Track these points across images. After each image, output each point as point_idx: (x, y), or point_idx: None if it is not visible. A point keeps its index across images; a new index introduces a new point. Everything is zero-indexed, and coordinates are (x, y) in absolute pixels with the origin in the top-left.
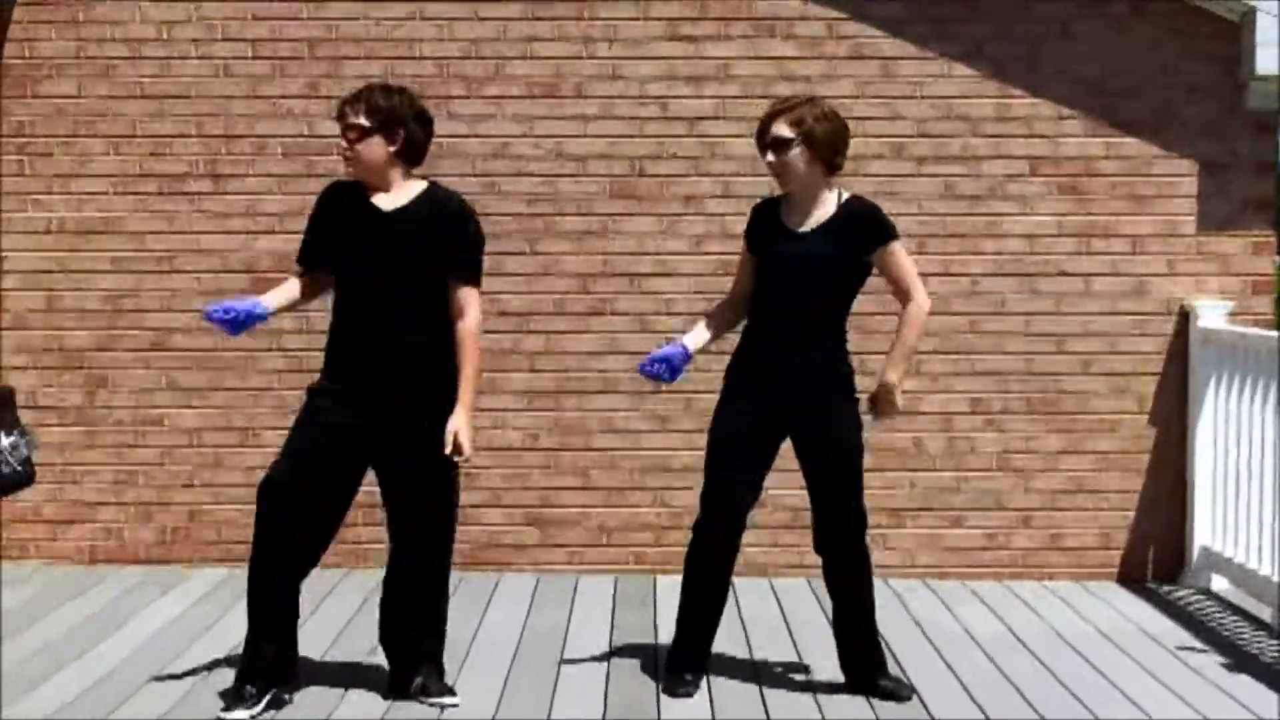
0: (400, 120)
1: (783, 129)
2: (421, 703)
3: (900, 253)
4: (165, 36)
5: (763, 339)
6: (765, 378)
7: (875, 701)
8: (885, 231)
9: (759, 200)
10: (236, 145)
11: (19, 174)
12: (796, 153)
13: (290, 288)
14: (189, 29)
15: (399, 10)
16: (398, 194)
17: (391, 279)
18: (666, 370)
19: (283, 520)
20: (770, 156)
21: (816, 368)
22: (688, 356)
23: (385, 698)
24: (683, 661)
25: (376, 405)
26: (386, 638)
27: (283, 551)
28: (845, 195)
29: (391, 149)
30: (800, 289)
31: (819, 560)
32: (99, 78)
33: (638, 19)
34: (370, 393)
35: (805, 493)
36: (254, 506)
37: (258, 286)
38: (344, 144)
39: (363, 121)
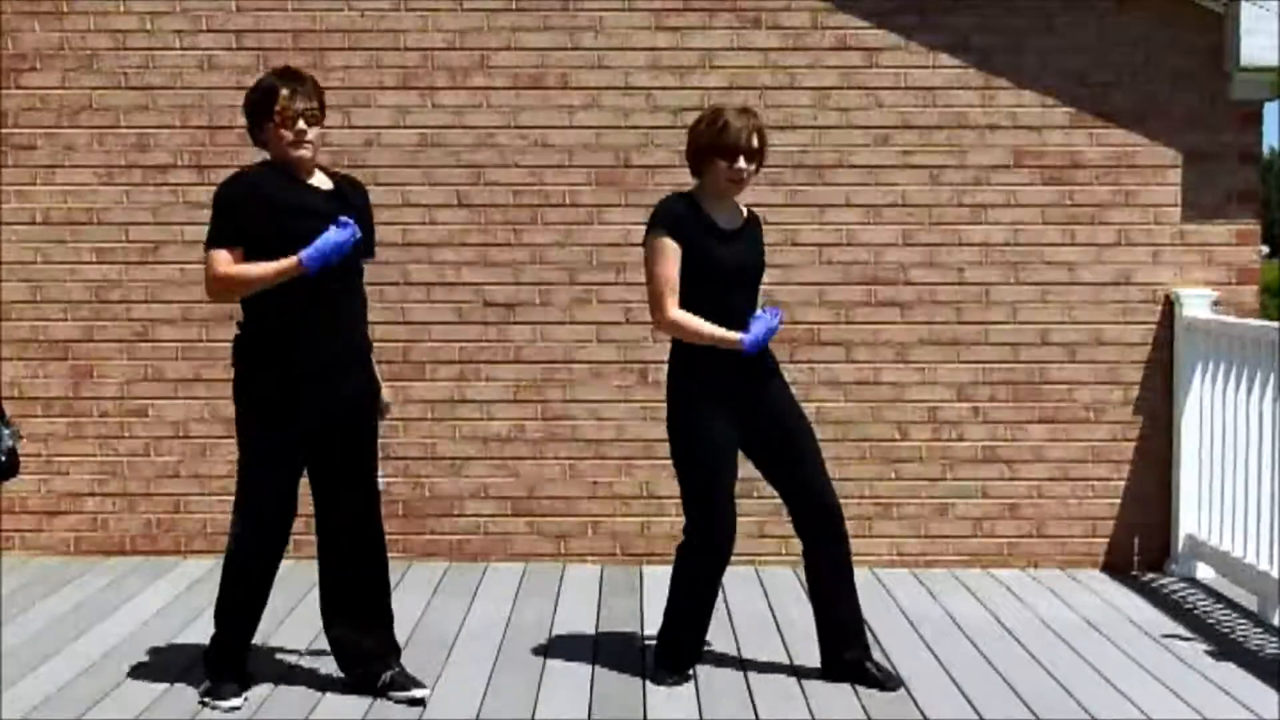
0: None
1: (758, 141)
2: (391, 698)
3: None
4: (149, 28)
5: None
6: (732, 377)
7: (862, 692)
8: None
9: (674, 195)
10: (220, 136)
11: (3, 165)
12: (754, 166)
13: None
14: (172, 20)
15: (383, 1)
16: (320, 177)
17: (352, 263)
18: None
19: (279, 534)
20: (746, 164)
21: (769, 358)
22: (777, 313)
23: (362, 694)
24: (673, 658)
25: (341, 394)
26: (343, 636)
27: (271, 560)
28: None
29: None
30: (749, 286)
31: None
32: (82, 69)
33: (622, 9)
34: (338, 383)
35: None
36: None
37: None
38: (300, 128)
39: (316, 106)
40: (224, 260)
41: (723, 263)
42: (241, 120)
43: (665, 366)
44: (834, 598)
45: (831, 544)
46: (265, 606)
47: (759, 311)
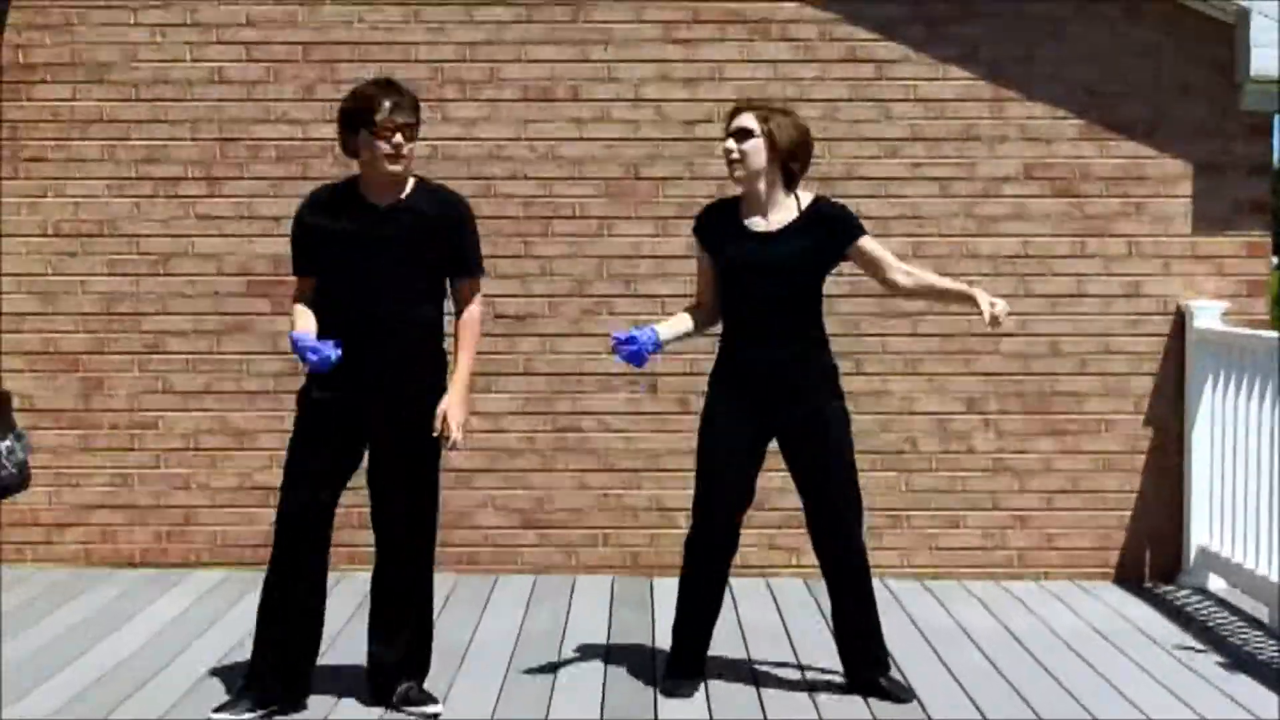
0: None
1: (749, 121)
2: (404, 711)
3: (873, 242)
4: (159, 40)
5: (746, 341)
6: (751, 380)
7: (873, 703)
8: (858, 227)
9: (711, 201)
10: (231, 149)
11: (13, 177)
12: (756, 144)
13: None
14: (183, 32)
15: (393, 14)
16: (407, 189)
17: (398, 276)
18: (634, 355)
19: (302, 550)
20: (730, 143)
21: (800, 365)
22: (657, 345)
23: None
24: (682, 666)
25: (380, 402)
26: (371, 646)
27: (301, 576)
28: (809, 196)
29: None
30: (778, 289)
31: (816, 561)
32: (93, 81)
33: (632, 22)
34: (375, 391)
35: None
36: (249, 509)
37: (252, 289)
38: (397, 142)
39: (412, 120)
40: (295, 290)
41: (736, 262)
42: (252, 132)
43: (674, 379)
44: (843, 616)
45: (840, 562)
46: (304, 625)
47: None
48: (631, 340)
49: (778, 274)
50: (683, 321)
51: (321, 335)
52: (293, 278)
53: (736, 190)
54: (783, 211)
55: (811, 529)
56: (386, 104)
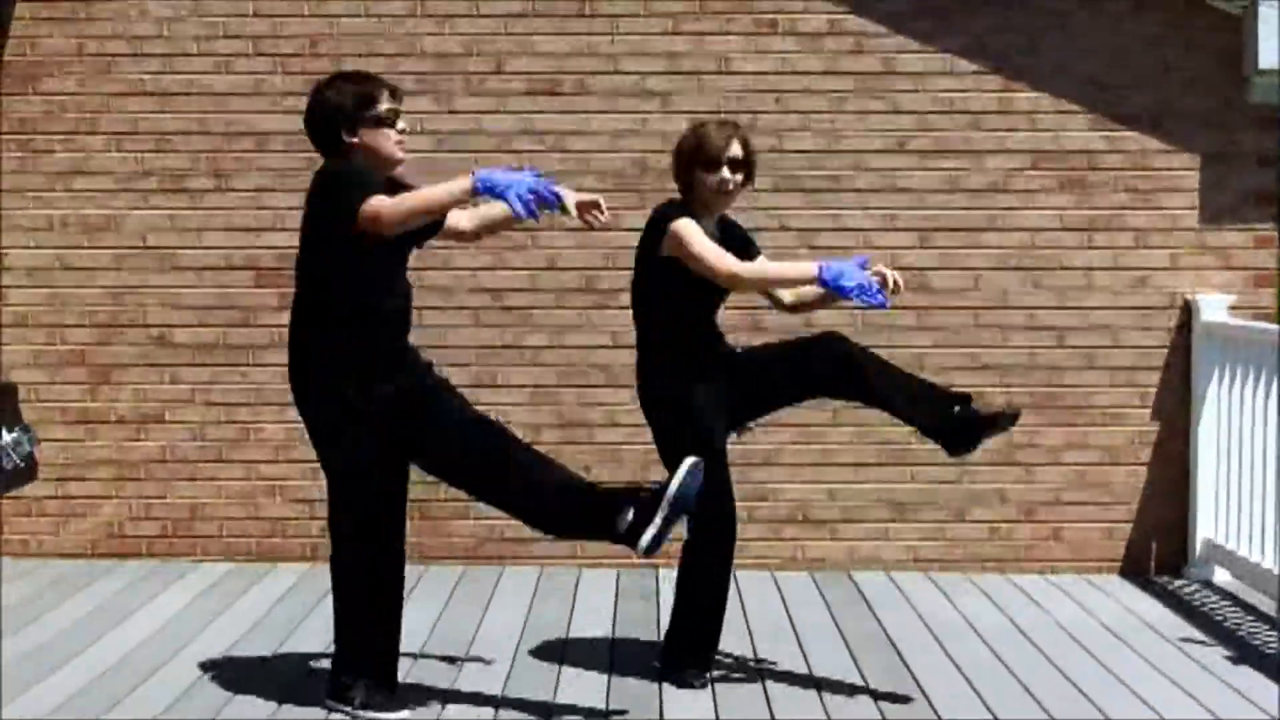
0: None
1: (742, 151)
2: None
3: None
4: (166, 33)
5: (712, 337)
6: (719, 374)
7: (879, 697)
8: None
9: (669, 203)
10: (238, 142)
11: (20, 171)
12: (740, 177)
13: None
14: (190, 25)
15: (400, 6)
16: None
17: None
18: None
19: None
20: (730, 174)
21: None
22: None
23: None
24: (697, 656)
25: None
26: None
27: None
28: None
29: None
30: (724, 294)
31: (822, 554)
32: (100, 74)
33: (639, 14)
34: (411, 375)
35: (805, 486)
36: (256, 502)
37: (260, 283)
38: (402, 128)
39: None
40: (380, 197)
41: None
42: (260, 126)
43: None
44: (887, 374)
45: (850, 347)
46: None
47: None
48: (851, 280)
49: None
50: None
51: (383, 330)
52: (293, 271)
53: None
54: (714, 226)
55: (812, 364)
56: (386, 93)
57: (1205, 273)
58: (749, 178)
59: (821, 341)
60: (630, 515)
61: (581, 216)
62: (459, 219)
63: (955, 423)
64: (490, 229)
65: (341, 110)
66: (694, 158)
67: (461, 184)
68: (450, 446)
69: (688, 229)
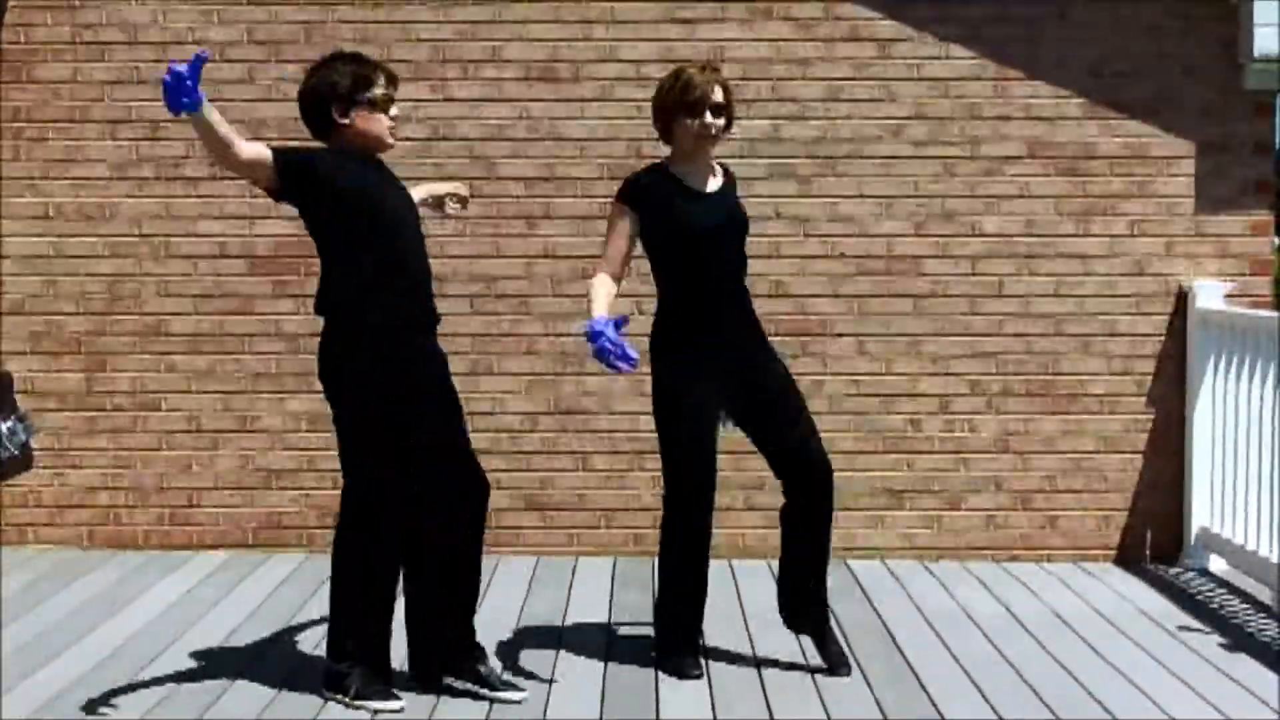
0: None
1: (723, 95)
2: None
3: None
4: (160, 20)
5: (714, 303)
6: (716, 344)
7: (875, 686)
8: None
9: (646, 169)
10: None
11: (15, 159)
12: (723, 121)
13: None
14: (184, 13)
15: None
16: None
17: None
18: (615, 354)
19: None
20: (712, 118)
21: (751, 319)
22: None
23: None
24: (688, 644)
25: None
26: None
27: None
28: (714, 160)
29: None
30: (732, 246)
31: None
32: (95, 62)
33: (634, 0)
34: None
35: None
36: (252, 491)
37: (255, 270)
38: (394, 114)
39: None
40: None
41: (694, 222)
42: (255, 113)
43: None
44: (803, 569)
45: (815, 507)
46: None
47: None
48: (605, 339)
49: (733, 231)
50: (611, 294)
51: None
52: (292, 258)
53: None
54: (714, 174)
55: (789, 477)
56: (381, 78)
57: (1201, 260)
58: (729, 123)
59: (814, 476)
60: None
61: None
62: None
63: (802, 625)
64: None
65: (336, 90)
66: (675, 105)
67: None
68: (424, 474)
69: (611, 219)
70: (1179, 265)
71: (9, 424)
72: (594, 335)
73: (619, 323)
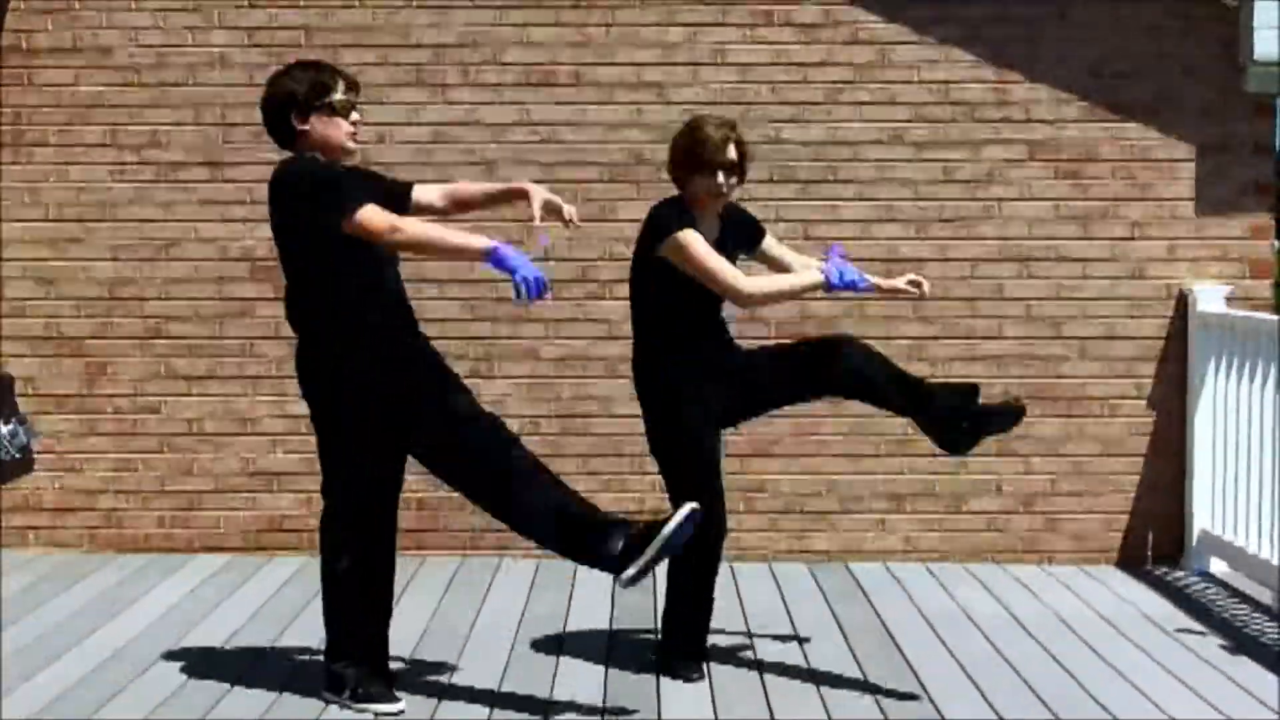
0: None
1: (735, 153)
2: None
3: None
4: (161, 24)
5: (712, 333)
6: (718, 374)
7: (877, 688)
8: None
9: (668, 202)
10: (234, 133)
11: (16, 162)
12: (735, 180)
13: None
14: (185, 17)
15: None
16: None
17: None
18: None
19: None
20: (724, 178)
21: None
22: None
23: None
24: (691, 649)
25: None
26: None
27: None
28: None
29: None
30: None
31: (818, 544)
32: (95, 66)
33: (634, 5)
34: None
35: (802, 476)
36: (253, 494)
37: (255, 275)
38: (355, 119)
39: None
40: (379, 211)
41: None
42: (255, 117)
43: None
44: (894, 379)
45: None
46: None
47: (829, 252)
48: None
49: None
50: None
51: (373, 317)
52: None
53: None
54: (714, 221)
55: (820, 367)
56: (342, 84)
57: (1202, 263)
58: (742, 179)
59: (831, 347)
60: (620, 544)
61: (544, 216)
62: (432, 198)
63: (961, 422)
64: (462, 206)
65: (294, 96)
66: (688, 160)
67: (477, 244)
68: (451, 444)
69: (693, 242)
70: (1180, 268)
71: (10, 427)
72: (833, 284)
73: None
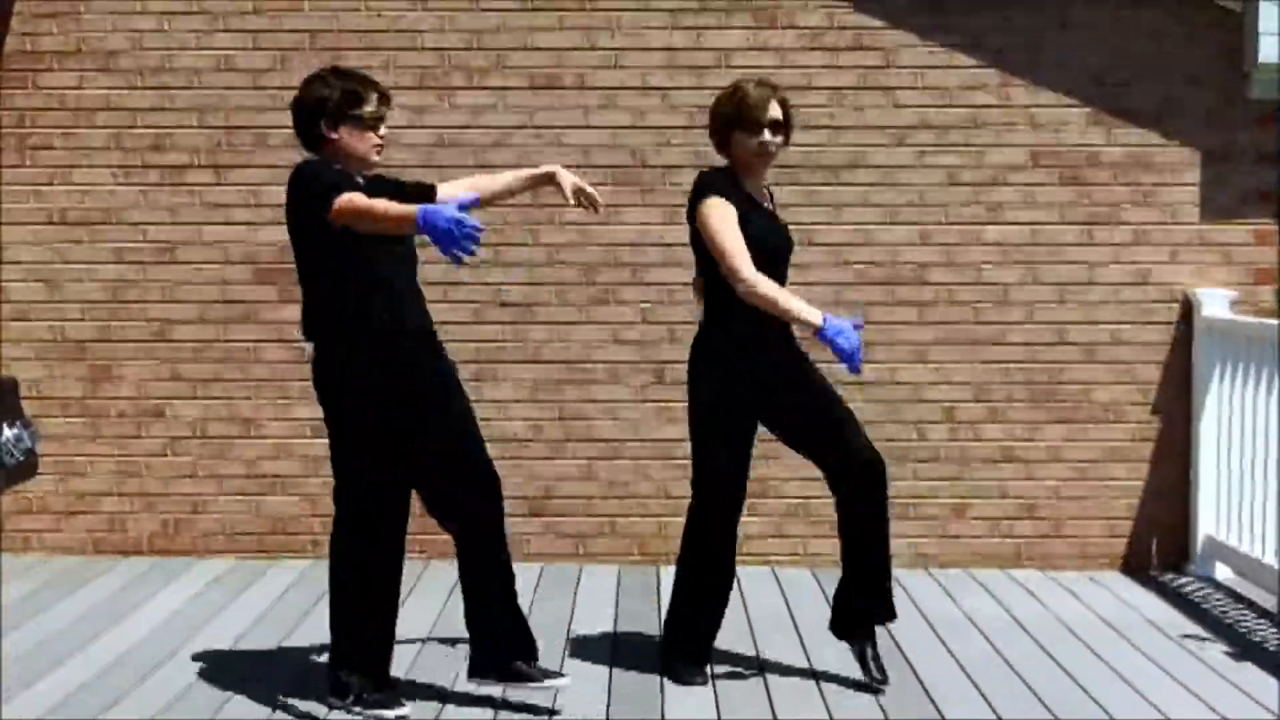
0: None
1: (782, 113)
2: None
3: None
4: (166, 28)
5: (756, 313)
6: (762, 354)
7: (880, 693)
8: None
9: (713, 170)
10: (238, 136)
11: (20, 165)
12: (780, 139)
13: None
14: (190, 20)
15: (400, 1)
16: None
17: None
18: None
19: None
20: (771, 136)
21: (788, 329)
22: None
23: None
24: (698, 650)
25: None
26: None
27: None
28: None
29: None
30: (784, 262)
31: (822, 549)
32: (100, 69)
33: (639, 9)
34: (426, 364)
35: (808, 481)
36: (256, 497)
37: (259, 277)
38: (383, 133)
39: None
40: (355, 195)
41: (766, 238)
42: (259, 120)
43: (680, 368)
44: (864, 567)
45: (870, 496)
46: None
47: (850, 318)
48: (846, 330)
49: (788, 247)
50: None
51: (385, 318)
52: (290, 265)
53: (719, 161)
54: (761, 188)
55: (837, 469)
56: (374, 95)
57: (1206, 268)
58: (788, 139)
59: (860, 465)
60: (510, 660)
61: (578, 201)
62: (458, 194)
63: (854, 618)
64: (487, 200)
65: (326, 104)
66: (733, 120)
67: (409, 212)
68: (445, 476)
69: (717, 213)
70: (1183, 274)
71: (14, 431)
72: (836, 334)
73: (857, 324)
